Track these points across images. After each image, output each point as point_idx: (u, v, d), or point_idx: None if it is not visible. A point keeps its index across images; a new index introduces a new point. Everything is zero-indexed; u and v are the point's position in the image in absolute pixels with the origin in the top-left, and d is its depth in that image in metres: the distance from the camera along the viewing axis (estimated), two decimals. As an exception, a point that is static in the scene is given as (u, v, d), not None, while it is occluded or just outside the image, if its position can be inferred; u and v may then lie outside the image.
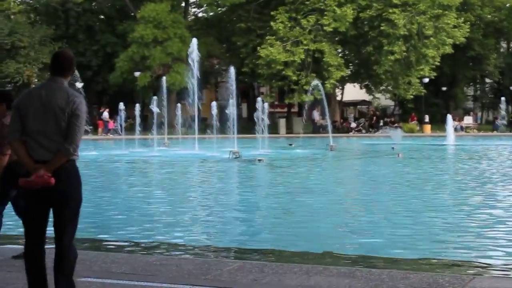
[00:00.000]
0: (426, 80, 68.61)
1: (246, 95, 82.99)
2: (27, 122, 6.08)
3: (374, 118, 75.38)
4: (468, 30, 67.75)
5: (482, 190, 19.88)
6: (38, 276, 6.21)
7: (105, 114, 66.49)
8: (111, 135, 61.46)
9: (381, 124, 71.46)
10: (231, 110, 39.14)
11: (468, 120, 75.56)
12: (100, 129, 66.11)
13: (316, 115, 69.21)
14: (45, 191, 5.97)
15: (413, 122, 71.86)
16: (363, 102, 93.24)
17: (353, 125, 71.80)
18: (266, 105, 44.50)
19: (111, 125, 64.31)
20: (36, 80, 64.55)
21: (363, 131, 70.11)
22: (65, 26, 73.39)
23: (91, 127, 64.37)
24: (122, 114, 54.81)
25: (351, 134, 67.38)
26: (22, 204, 9.10)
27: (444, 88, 79.33)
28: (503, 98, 72.63)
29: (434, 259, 10.29)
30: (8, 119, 8.78)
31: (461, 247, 11.26)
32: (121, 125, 54.92)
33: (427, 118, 70.20)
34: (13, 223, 10.74)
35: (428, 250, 10.96)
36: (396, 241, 11.78)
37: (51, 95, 6.09)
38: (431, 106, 76.97)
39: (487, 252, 10.86)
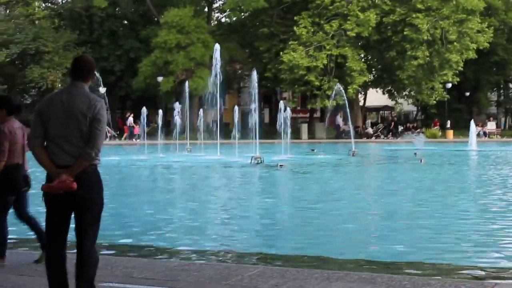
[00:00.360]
0: (449, 85, 68.25)
1: (269, 100, 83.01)
2: (49, 127, 6.12)
3: (393, 123, 75.02)
4: (492, 35, 67.36)
5: (505, 195, 19.76)
6: (59, 281, 6.25)
7: (130, 120, 66.54)
8: (136, 140, 61.43)
9: (400, 129, 71.08)
10: (254, 115, 39.14)
11: (491, 125, 75.09)
12: (125, 134, 66.30)
13: (339, 120, 69.06)
14: (66, 196, 6.01)
15: (436, 127, 71.50)
16: (385, 107, 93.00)
17: (370, 130, 71.25)
18: (288, 110, 44.44)
19: (136, 130, 64.23)
20: (59, 85, 64.80)
21: (382, 136, 69.69)
22: (88, 31, 73.71)
23: (117, 132, 64.74)
24: (144, 119, 54.91)
25: (368, 140, 66.75)
26: (23, 211, 9.21)
27: (467, 94, 78.91)
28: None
29: (456, 265, 10.24)
30: (7, 126, 8.86)
31: (483, 253, 11.20)
32: (144, 131, 55.05)
33: (448, 124, 69.87)
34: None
35: (450, 256, 10.91)
36: (418, 247, 11.73)
37: (72, 100, 6.13)
38: (454, 111, 76.59)
39: (509, 258, 10.81)
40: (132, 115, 67.17)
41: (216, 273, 8.47)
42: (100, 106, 6.13)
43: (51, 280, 6.26)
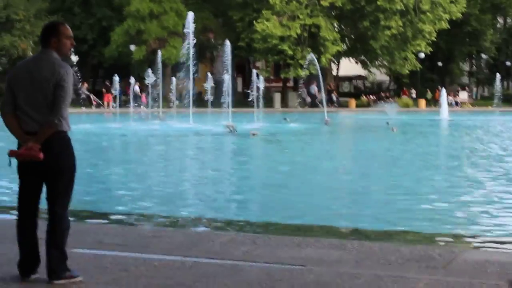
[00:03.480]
0: (422, 55, 68.52)
1: (242, 70, 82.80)
2: (18, 95, 6.09)
3: (333, 92, 72.80)
4: (464, 5, 67.54)
5: (474, 164, 19.93)
6: (30, 248, 6.24)
7: (137, 88, 62.50)
8: (144, 108, 58.10)
9: (334, 98, 69.14)
10: (226, 84, 39.09)
11: (463, 95, 75.54)
12: (110, 103, 64.61)
13: (315, 89, 68.67)
14: (36, 164, 5.99)
15: (405, 96, 71.64)
16: (358, 77, 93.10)
17: (308, 99, 69.12)
18: (261, 79, 44.38)
19: (143, 98, 60.31)
20: (31, 53, 64.13)
21: (320, 105, 67.77)
22: (61, -1, 73.00)
23: (100, 102, 64.03)
24: (117, 87, 54.40)
25: (309, 108, 65.20)
26: None
27: (440, 64, 79.18)
28: (498, 75, 72.27)
29: (426, 232, 10.34)
30: None
31: (452, 221, 11.32)
32: (119, 99, 54.30)
33: (414, 94, 70.46)
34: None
35: (419, 223, 11.00)
36: (387, 214, 11.83)
37: (38, 67, 6.09)
38: (427, 81, 76.83)
39: (478, 225, 10.92)
40: (138, 83, 63.74)
41: (187, 240, 8.50)
42: (63, 72, 6.04)
43: (22, 246, 6.25)
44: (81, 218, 10.80)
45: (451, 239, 9.83)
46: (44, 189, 6.23)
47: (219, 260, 7.37)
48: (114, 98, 62.55)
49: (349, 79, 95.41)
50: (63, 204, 6.22)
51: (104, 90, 66.13)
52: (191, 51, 40.93)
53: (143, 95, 57.32)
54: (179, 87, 50.65)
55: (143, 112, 47.39)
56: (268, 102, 60.71)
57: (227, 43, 41.32)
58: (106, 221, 10.97)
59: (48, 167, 6.03)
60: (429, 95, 72.12)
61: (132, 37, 65.81)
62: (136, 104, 50.93)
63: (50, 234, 6.16)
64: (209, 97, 43.26)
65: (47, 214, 6.20)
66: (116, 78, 51.54)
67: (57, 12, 69.33)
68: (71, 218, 6.39)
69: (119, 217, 11.45)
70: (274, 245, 8.21)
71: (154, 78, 48.50)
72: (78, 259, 6.95)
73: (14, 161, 6.14)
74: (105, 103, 64.13)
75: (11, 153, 6.06)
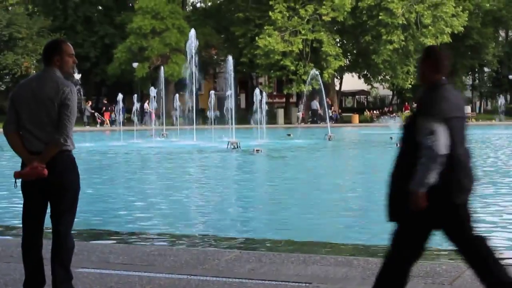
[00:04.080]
0: (425, 69, 68.46)
1: (245, 86, 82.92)
2: (21, 114, 6.09)
3: (331, 108, 72.10)
4: (466, 19, 67.58)
5: (479, 178, 19.88)
6: (35, 267, 6.23)
7: (146, 105, 62.16)
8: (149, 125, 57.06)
9: (331, 114, 68.63)
10: (229, 101, 39.13)
11: (466, 109, 75.49)
12: (106, 120, 64.97)
13: (316, 105, 68.68)
14: (41, 183, 5.99)
15: (407, 111, 71.65)
16: (361, 92, 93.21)
17: (299, 115, 68.39)
18: (264, 95, 44.43)
19: (153, 115, 59.29)
20: (34, 71, 64.26)
21: (308, 122, 67.60)
22: (63, 17, 73.19)
23: (104, 119, 64.08)
24: (121, 105, 54.41)
25: (299, 125, 64.47)
26: None
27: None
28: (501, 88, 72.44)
29: (431, 248, 10.29)
30: None
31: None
32: (123, 116, 54.31)
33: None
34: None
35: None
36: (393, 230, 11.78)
37: (41, 86, 6.09)
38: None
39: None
40: (147, 101, 63.43)
41: (193, 258, 8.48)
42: (68, 91, 6.05)
43: (27, 266, 6.24)
44: (86, 237, 10.79)
45: (456, 255, 9.78)
46: (49, 208, 6.23)
47: (225, 278, 7.36)
48: (111, 115, 62.85)
49: (352, 94, 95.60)
50: (68, 223, 6.22)
51: (103, 108, 66.35)
52: (194, 67, 40.97)
53: (153, 112, 56.97)
54: (182, 103, 50.71)
55: (148, 130, 47.33)
56: (271, 118, 60.78)
57: (230, 59, 41.39)
58: (111, 240, 10.95)
59: (53, 185, 6.04)
60: None
61: (134, 54, 65.96)
62: (144, 122, 50.76)
63: (55, 253, 6.16)
64: (212, 113, 43.28)
65: (52, 233, 6.19)
66: (120, 95, 51.52)
67: (60, 30, 69.54)
68: (76, 237, 6.38)
69: (124, 236, 11.43)
70: (280, 262, 8.19)
71: (154, 95, 48.53)
72: (83, 278, 6.94)
73: (19, 181, 6.14)
74: (106, 120, 64.34)
75: (16, 175, 6.06)
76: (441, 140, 5.38)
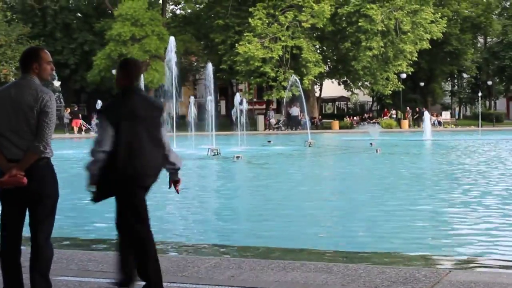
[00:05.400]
0: (404, 75, 68.85)
1: (225, 92, 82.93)
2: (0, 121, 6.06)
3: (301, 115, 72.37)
4: (445, 25, 67.96)
5: (458, 184, 19.98)
6: (14, 275, 6.19)
7: None
8: None
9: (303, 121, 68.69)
10: (209, 107, 39.11)
11: (446, 115, 76.00)
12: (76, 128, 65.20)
13: (296, 111, 68.81)
14: (19, 191, 5.96)
15: (385, 118, 71.86)
16: (341, 98, 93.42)
17: (273, 121, 69.29)
18: (244, 101, 44.43)
19: None
20: (12, 79, 64.02)
21: (282, 128, 68.17)
22: (42, 24, 73.06)
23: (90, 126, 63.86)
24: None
25: (271, 131, 65.09)
26: None
27: (421, 84, 79.59)
28: (479, 94, 72.81)
29: (411, 254, 10.34)
30: None
31: (437, 242, 11.33)
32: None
33: (394, 114, 71.10)
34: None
35: (404, 245, 11.01)
36: (372, 236, 11.84)
37: (20, 93, 6.06)
38: (409, 101, 77.17)
39: (463, 246, 10.94)
40: None
41: (172, 265, 8.46)
42: (47, 98, 6.02)
43: (6, 274, 6.21)
44: (65, 245, 10.74)
45: (436, 260, 9.84)
46: (27, 216, 6.20)
47: (204, 286, 7.35)
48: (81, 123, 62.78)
49: (332, 100, 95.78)
50: (46, 231, 6.19)
51: (76, 115, 66.18)
52: (174, 74, 40.91)
53: None
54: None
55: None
56: (252, 124, 60.77)
57: (209, 65, 41.40)
58: (90, 248, 10.89)
59: (31, 193, 6.01)
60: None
61: (114, 61, 65.79)
62: None
63: (34, 261, 6.13)
64: (192, 120, 43.24)
65: (31, 241, 6.16)
66: (99, 102, 51.39)
67: (39, 37, 69.38)
68: (55, 245, 6.35)
69: (104, 244, 11.38)
70: (260, 269, 8.18)
71: None
72: (62, 287, 6.92)
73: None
74: (75, 128, 64.03)
75: (-4, 183, 6.02)
76: (101, 136, 6.48)
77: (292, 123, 68.18)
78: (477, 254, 10.23)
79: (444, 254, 10.24)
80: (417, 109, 72.10)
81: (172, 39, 42.47)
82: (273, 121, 68.59)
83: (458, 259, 9.85)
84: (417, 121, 69.15)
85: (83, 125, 64.12)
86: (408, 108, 72.67)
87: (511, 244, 10.88)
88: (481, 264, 9.61)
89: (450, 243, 11.22)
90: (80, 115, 64.94)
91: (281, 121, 68.63)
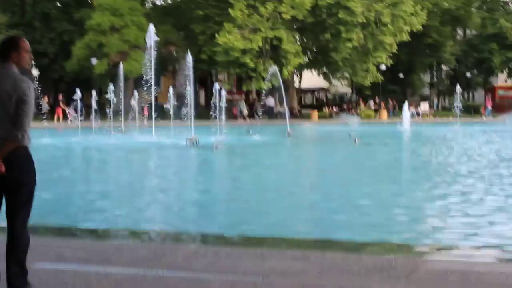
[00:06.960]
0: (383, 67, 69.06)
1: (204, 83, 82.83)
2: (-22, 110, 6.03)
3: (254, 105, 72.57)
4: (425, 17, 68.16)
5: (434, 173, 20.06)
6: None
7: (133, 102, 59.39)
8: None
9: (260, 110, 68.45)
10: (189, 97, 39.02)
11: (424, 106, 76.34)
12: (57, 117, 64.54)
13: (271, 102, 68.85)
14: (-4, 178, 5.94)
15: (363, 107, 72.24)
16: (320, 89, 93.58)
17: (245, 111, 69.27)
18: (223, 91, 44.33)
19: (146, 112, 57.78)
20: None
21: (246, 119, 67.66)
22: (20, 13, 72.71)
23: (76, 114, 63.26)
24: (79, 101, 53.92)
25: (244, 121, 64.29)
26: None
27: (401, 75, 79.85)
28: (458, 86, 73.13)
29: (388, 242, 10.39)
30: None
31: (414, 231, 11.39)
32: (81, 112, 53.68)
33: (372, 105, 71.43)
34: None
35: (381, 233, 11.05)
36: (349, 225, 11.87)
37: (-2, 81, 6.04)
38: (388, 92, 77.44)
39: (439, 235, 10.99)
40: (136, 95, 61.89)
41: (150, 253, 8.47)
42: (26, 86, 6.01)
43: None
44: (42, 233, 10.70)
45: (412, 249, 9.88)
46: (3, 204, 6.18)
47: (182, 273, 7.35)
48: (64, 112, 62.23)
49: (312, 91, 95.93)
50: (23, 219, 6.17)
51: (58, 103, 65.48)
52: (153, 64, 40.74)
53: (145, 108, 55.65)
54: (141, 100, 50.42)
55: (106, 127, 47.01)
56: (231, 114, 60.68)
57: (189, 55, 41.26)
58: (67, 235, 10.87)
59: (9, 181, 5.99)
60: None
61: (93, 50, 65.61)
62: (131, 117, 50.01)
63: (10, 248, 6.11)
64: (171, 110, 43.13)
65: (7, 228, 6.15)
66: (78, 92, 51.26)
67: (17, 26, 68.97)
68: (31, 233, 6.33)
69: (81, 231, 11.36)
70: (237, 257, 8.21)
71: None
72: (39, 273, 6.90)
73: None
74: (56, 116, 63.17)
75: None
76: None
77: (268, 113, 68.11)
78: (454, 243, 10.28)
79: (420, 243, 10.29)
80: (391, 100, 73.07)
81: (151, 26, 42.22)
82: (245, 111, 68.51)
83: (435, 248, 9.90)
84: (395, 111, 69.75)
85: (69, 114, 63.42)
86: (390, 99, 73.09)
87: (487, 233, 10.93)
88: (457, 253, 9.66)
89: (427, 232, 11.28)
90: (63, 103, 64.18)
91: (258, 110, 68.49)
